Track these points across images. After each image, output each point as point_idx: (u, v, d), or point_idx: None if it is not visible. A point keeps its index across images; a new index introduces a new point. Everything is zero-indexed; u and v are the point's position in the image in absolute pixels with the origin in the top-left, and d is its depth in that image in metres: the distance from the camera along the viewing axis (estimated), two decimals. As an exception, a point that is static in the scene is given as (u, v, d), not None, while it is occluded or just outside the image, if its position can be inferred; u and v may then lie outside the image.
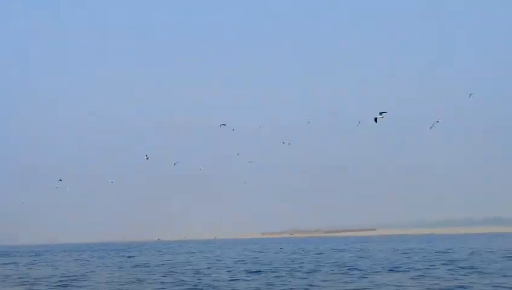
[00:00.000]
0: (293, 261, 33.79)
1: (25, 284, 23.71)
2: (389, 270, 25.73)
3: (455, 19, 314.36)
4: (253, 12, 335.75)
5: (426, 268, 26.27)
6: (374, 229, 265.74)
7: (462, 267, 25.88)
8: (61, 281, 24.45)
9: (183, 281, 22.76)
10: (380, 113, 30.24)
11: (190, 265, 32.69)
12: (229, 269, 28.48)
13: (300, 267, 28.89)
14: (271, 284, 20.83)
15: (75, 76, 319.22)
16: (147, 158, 55.07)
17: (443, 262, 29.91)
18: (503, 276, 21.75)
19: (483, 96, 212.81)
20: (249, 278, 23.27)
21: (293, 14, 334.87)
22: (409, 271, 24.85)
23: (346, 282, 21.21)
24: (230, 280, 22.77)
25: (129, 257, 49.48)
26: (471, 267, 25.70)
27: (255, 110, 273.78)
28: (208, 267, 30.34)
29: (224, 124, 52.53)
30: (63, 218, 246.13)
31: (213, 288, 20.25)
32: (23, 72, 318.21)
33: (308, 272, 25.43)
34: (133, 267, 32.89)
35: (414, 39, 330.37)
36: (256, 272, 26.33)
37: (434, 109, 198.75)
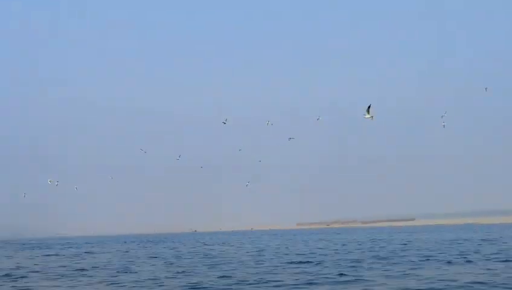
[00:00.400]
0: (393, 251, 30.25)
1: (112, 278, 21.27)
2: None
3: (455, 19, 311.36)
4: (253, 12, 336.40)
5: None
6: (413, 219, 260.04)
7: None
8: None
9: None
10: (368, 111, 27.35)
11: (314, 255, 29.17)
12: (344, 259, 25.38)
13: (403, 257, 25.75)
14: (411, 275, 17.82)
15: (75, 76, 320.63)
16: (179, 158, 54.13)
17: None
18: None
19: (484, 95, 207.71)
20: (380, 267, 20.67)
21: (293, 14, 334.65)
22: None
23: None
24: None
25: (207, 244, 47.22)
26: None
27: (255, 109, 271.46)
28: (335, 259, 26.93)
29: (225, 122, 51.89)
30: (89, 210, 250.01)
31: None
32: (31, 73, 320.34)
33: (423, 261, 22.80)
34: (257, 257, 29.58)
35: (414, 39, 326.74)
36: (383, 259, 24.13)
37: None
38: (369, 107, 26.89)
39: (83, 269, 23.91)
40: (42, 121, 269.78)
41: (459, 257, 24.41)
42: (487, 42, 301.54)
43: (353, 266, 21.22)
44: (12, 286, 18.13)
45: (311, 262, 23.86)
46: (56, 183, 61.37)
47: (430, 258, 24.12)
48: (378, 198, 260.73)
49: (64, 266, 26.07)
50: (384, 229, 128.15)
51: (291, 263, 23.88)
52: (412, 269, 19.73)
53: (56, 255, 39.21)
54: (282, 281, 16.93)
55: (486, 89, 48.47)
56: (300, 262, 23.97)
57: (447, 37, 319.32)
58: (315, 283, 16.42)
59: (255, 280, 17.36)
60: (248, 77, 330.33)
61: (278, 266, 22.31)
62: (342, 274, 18.23)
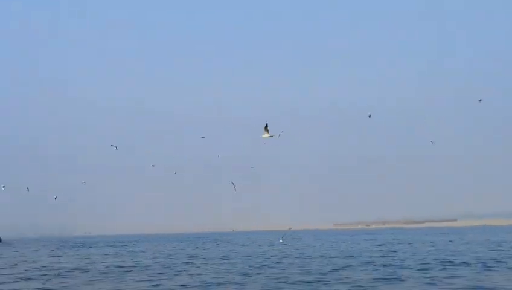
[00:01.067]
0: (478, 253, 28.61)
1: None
2: None
3: (455, 19, 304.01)
4: (253, 12, 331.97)
5: None
6: (455, 220, 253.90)
7: None
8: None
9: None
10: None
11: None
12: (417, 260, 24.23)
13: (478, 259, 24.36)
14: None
15: (75, 75, 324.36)
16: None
17: None
18: None
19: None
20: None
21: (293, 14, 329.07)
22: None
23: None
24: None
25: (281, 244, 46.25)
26: None
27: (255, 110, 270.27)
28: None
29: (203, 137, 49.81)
30: (113, 209, 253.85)
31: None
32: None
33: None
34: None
35: (414, 39, 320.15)
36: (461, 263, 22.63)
37: None
38: (266, 125, 23.56)
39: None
40: (42, 120, 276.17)
41: None
42: (487, 42, 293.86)
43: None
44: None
45: (452, 262, 23.02)
46: (83, 182, 61.53)
47: None
48: (417, 198, 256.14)
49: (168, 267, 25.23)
50: (432, 230, 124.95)
51: (444, 262, 22.91)
52: None
53: (115, 254, 38.60)
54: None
55: (480, 100, 47.20)
56: (450, 262, 22.98)
57: (447, 37, 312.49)
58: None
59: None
60: (248, 77, 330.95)
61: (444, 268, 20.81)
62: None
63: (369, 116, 44.24)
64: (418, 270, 19.73)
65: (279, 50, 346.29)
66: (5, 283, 19.02)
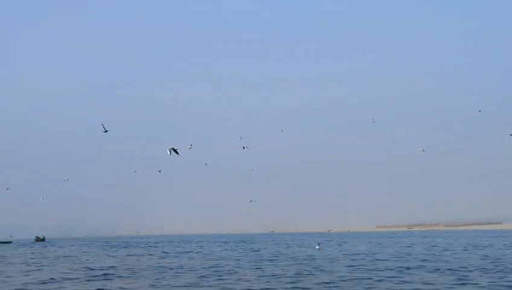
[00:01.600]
0: None
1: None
2: None
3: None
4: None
5: None
6: (500, 223, 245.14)
7: None
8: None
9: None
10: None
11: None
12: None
13: None
14: None
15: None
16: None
17: None
18: None
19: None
20: None
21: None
22: None
23: None
24: None
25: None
26: None
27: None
28: None
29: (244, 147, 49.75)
30: (165, 209, 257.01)
31: None
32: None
33: None
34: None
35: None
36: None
37: None
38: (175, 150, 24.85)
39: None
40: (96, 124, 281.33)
41: None
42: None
43: None
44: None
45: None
46: (159, 171, 61.68)
47: None
48: (461, 201, 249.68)
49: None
50: (478, 232, 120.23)
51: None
52: None
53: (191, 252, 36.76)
54: None
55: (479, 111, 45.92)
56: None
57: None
58: None
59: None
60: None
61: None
62: None
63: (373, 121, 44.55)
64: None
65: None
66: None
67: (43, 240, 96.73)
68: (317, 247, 38.96)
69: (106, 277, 18.58)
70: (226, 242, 67.36)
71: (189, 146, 40.73)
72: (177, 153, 24.73)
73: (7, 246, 62.69)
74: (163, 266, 22.80)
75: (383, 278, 16.88)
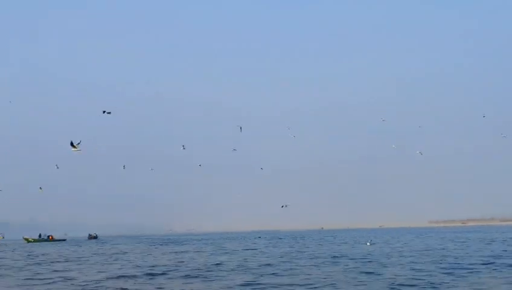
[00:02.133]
0: None
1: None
2: None
3: None
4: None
5: None
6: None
7: None
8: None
9: None
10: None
11: None
12: None
13: None
14: None
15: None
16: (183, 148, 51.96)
17: None
18: None
19: None
20: None
21: None
22: None
23: None
24: None
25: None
26: None
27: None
28: None
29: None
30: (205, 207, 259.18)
31: None
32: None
33: None
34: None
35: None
36: None
37: None
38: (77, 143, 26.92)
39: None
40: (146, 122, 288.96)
41: None
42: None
43: None
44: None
45: None
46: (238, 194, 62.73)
47: None
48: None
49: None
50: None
51: None
52: None
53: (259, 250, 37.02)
54: None
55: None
56: None
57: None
58: None
59: None
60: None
61: None
62: None
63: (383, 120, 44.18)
64: None
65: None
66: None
67: (95, 237, 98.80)
68: (368, 243, 38.54)
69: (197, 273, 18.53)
70: (280, 238, 67.43)
71: (182, 147, 42.53)
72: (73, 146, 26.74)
73: (62, 244, 64.73)
74: (242, 265, 22.46)
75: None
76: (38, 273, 19.88)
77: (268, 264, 21.21)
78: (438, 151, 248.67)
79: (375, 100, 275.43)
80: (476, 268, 18.01)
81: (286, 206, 55.11)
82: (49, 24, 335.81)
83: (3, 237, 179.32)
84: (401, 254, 26.04)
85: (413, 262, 20.82)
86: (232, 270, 19.31)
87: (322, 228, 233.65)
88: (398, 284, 14.15)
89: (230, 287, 14.47)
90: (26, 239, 72.87)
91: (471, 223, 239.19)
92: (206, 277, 17.00)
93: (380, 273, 17.05)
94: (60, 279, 17.38)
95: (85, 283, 16.00)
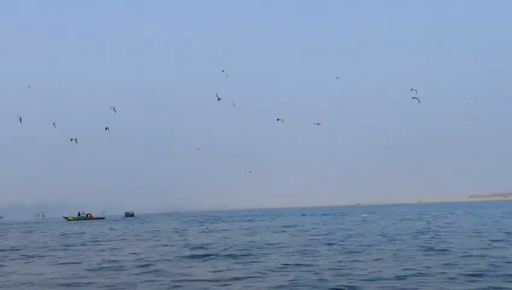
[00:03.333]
0: None
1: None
2: None
3: None
4: None
5: None
6: None
7: None
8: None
9: None
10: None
11: None
12: None
13: None
14: None
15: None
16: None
17: None
18: None
19: None
20: None
21: None
22: None
23: None
24: None
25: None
26: None
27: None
28: None
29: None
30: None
31: None
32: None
33: None
34: None
35: None
36: None
37: None
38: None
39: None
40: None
41: None
42: None
43: None
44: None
45: None
46: (250, 171, 61.75)
47: None
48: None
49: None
50: None
51: None
52: None
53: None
54: None
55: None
56: None
57: None
58: None
59: None
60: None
61: None
62: None
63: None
64: None
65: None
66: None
67: (132, 215, 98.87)
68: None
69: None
70: (325, 214, 64.38)
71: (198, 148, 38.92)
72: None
73: (102, 222, 63.16)
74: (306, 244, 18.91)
75: None
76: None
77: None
78: (473, 124, 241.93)
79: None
80: None
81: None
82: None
83: (43, 216, 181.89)
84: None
85: None
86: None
87: (359, 204, 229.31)
88: None
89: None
90: (66, 217, 71.39)
91: (511, 197, 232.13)
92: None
93: None
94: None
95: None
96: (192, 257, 14.92)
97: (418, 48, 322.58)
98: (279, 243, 18.58)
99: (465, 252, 13.88)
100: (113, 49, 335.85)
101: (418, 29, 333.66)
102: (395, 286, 9.11)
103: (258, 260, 13.68)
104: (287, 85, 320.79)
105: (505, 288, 8.81)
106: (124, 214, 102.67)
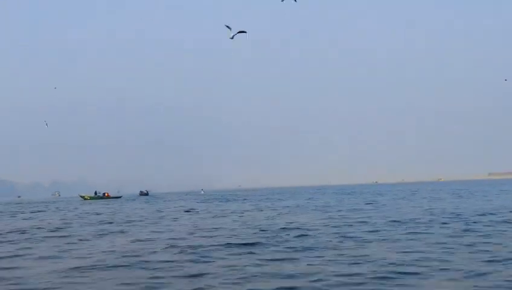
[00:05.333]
0: None
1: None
2: None
3: None
4: None
5: None
6: None
7: None
8: None
9: None
10: None
11: None
12: None
13: None
14: None
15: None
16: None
17: None
18: None
19: None
20: None
21: None
22: None
23: None
24: None
25: None
26: None
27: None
28: None
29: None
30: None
31: None
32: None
33: None
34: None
35: None
36: None
37: None
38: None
39: None
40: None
41: None
42: None
43: None
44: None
45: None
46: None
47: None
48: None
49: None
50: None
51: None
52: None
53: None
54: None
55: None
56: None
57: None
58: None
59: None
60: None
61: None
62: None
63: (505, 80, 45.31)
64: None
65: None
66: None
67: (146, 194, 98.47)
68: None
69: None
70: (351, 193, 61.97)
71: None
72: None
73: (120, 200, 62.46)
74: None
75: None
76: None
77: None
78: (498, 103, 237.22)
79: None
80: None
81: None
82: None
83: (59, 195, 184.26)
84: None
85: None
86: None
87: (376, 182, 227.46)
88: None
89: None
90: (83, 197, 70.29)
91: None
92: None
93: None
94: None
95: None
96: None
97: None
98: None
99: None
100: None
101: None
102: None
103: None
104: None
105: None
106: (138, 192, 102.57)
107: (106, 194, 70.70)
